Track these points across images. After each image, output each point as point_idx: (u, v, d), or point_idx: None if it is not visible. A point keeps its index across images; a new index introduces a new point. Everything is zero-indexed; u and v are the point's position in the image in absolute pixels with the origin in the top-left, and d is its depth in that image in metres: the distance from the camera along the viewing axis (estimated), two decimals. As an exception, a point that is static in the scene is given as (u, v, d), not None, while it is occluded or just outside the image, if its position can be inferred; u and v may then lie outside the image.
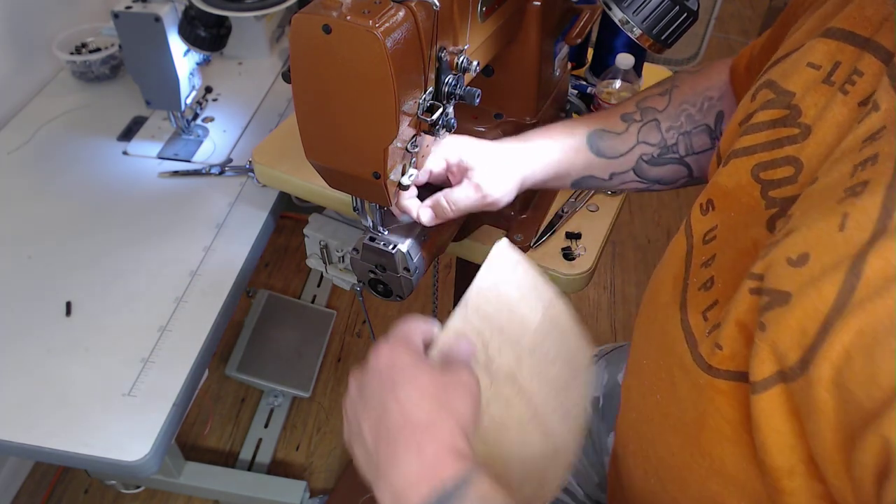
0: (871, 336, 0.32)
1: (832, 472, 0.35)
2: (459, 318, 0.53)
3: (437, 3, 0.48)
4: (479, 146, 0.64)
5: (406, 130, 0.52)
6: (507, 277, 0.57)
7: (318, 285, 1.78)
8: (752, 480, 0.41)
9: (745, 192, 0.47)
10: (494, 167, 0.63)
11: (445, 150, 0.63)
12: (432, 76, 0.53)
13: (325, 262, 0.85)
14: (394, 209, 0.66)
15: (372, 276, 0.67)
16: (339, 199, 0.83)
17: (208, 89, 1.18)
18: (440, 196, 0.64)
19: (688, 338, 0.46)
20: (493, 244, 0.57)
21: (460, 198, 0.63)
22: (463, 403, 0.45)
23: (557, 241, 0.81)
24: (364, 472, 0.46)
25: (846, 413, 0.33)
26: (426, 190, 0.65)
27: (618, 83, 0.96)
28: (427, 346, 0.50)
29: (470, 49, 0.58)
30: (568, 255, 0.79)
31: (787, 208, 0.42)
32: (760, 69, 0.55)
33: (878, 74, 0.41)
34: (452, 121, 0.55)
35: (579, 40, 0.76)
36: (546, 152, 0.66)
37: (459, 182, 0.64)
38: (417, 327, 0.50)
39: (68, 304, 0.83)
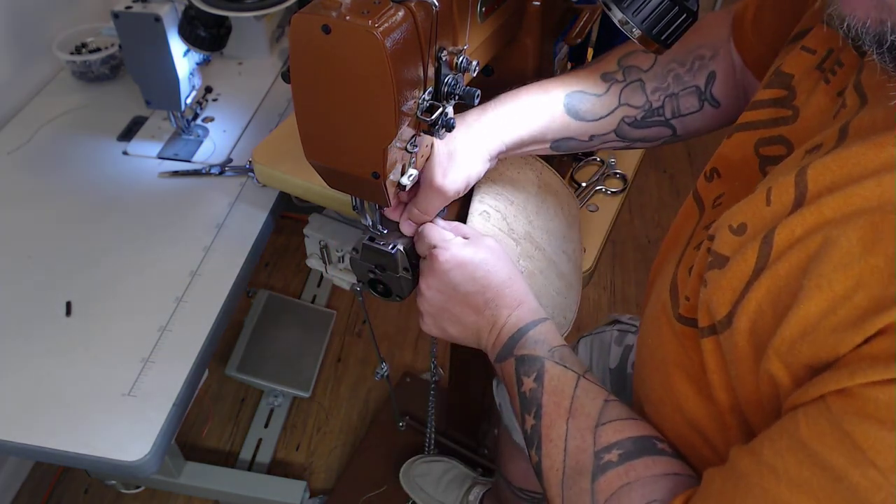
0: (775, 293, 0.39)
1: (751, 412, 0.42)
2: (476, 202, 0.66)
3: (437, 3, 0.48)
4: (437, 144, 0.60)
5: (405, 130, 0.52)
6: (500, 165, 0.68)
7: (318, 285, 1.78)
8: (705, 418, 0.47)
9: (748, 166, 0.51)
10: (454, 162, 0.60)
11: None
12: (432, 76, 0.52)
13: (325, 262, 0.85)
14: (386, 212, 0.65)
15: (371, 276, 0.67)
16: (339, 199, 0.83)
17: (208, 89, 1.18)
18: (410, 207, 0.63)
19: (671, 290, 0.52)
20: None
21: (427, 204, 0.62)
22: (510, 259, 0.61)
23: (557, 241, 0.81)
24: (464, 341, 0.61)
25: (758, 359, 0.40)
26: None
27: (618, 83, 0.96)
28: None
29: (469, 49, 0.58)
30: (568, 255, 0.79)
31: None
32: (769, 26, 0.57)
33: (854, 68, 0.45)
34: (452, 121, 0.55)
35: (579, 40, 0.76)
36: (517, 120, 0.62)
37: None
38: (440, 229, 0.62)
39: (68, 304, 0.83)
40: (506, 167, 0.70)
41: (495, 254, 0.60)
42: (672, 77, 0.64)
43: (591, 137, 0.65)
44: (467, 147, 0.61)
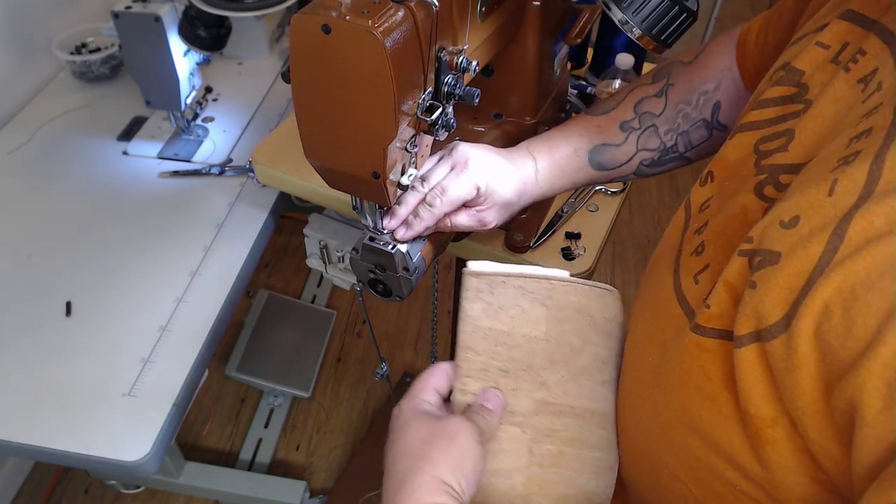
0: (849, 292, 0.34)
1: (811, 425, 0.37)
2: (458, 392, 0.52)
3: (437, 3, 0.48)
4: (503, 178, 0.64)
5: (405, 130, 0.52)
6: (486, 311, 0.53)
7: (318, 285, 1.78)
8: (727, 437, 0.43)
9: (744, 165, 0.49)
10: (507, 201, 0.65)
11: (476, 177, 0.63)
12: (431, 76, 0.52)
13: (325, 262, 0.85)
14: (395, 225, 0.65)
15: (372, 276, 0.67)
16: (339, 199, 0.83)
17: (208, 89, 1.18)
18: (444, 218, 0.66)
19: (680, 300, 0.48)
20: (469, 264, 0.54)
21: (462, 222, 0.65)
22: (442, 454, 0.48)
23: (557, 241, 0.81)
24: None
25: (825, 364, 0.35)
26: None
27: (617, 83, 0.96)
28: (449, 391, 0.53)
29: (469, 49, 0.58)
30: (568, 255, 0.79)
31: (776, 174, 0.45)
32: (773, 42, 0.57)
33: (881, 55, 0.43)
34: (452, 121, 0.55)
35: (579, 40, 0.76)
36: (551, 178, 0.67)
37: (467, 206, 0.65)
38: (430, 380, 0.53)
39: (68, 304, 0.83)
40: (493, 319, 0.53)
41: (434, 443, 0.49)
42: (682, 117, 0.67)
43: (612, 180, 0.71)
44: (514, 201, 0.65)
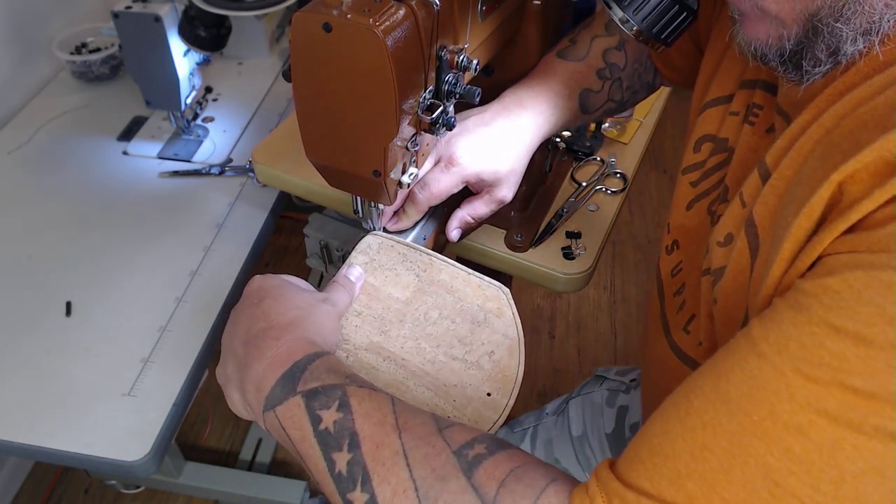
0: (767, 255, 0.40)
1: None
2: None
3: (438, 2, 0.48)
4: (499, 157, 0.64)
5: (406, 129, 0.52)
6: (367, 265, 0.61)
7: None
8: None
9: (703, 227, 0.55)
10: (513, 176, 0.65)
11: (465, 170, 0.63)
12: (432, 75, 0.53)
13: (325, 262, 0.85)
14: (385, 217, 0.66)
15: (372, 275, 0.67)
16: (339, 198, 0.83)
17: (208, 89, 1.18)
18: (463, 214, 0.67)
19: (677, 353, 0.52)
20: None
21: (483, 211, 0.67)
22: (327, 319, 0.52)
23: (557, 240, 0.81)
24: (231, 397, 0.49)
25: None
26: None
27: (618, 83, 0.96)
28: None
29: (470, 48, 0.58)
30: (568, 254, 0.79)
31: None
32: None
33: (772, 106, 0.49)
34: (452, 119, 0.55)
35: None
36: (550, 123, 0.67)
37: (478, 193, 0.67)
38: (296, 279, 0.57)
39: (68, 304, 0.83)
40: (369, 273, 0.61)
41: (318, 308, 0.52)
42: (637, 77, 0.72)
43: (581, 122, 0.75)
44: (520, 169, 0.66)
